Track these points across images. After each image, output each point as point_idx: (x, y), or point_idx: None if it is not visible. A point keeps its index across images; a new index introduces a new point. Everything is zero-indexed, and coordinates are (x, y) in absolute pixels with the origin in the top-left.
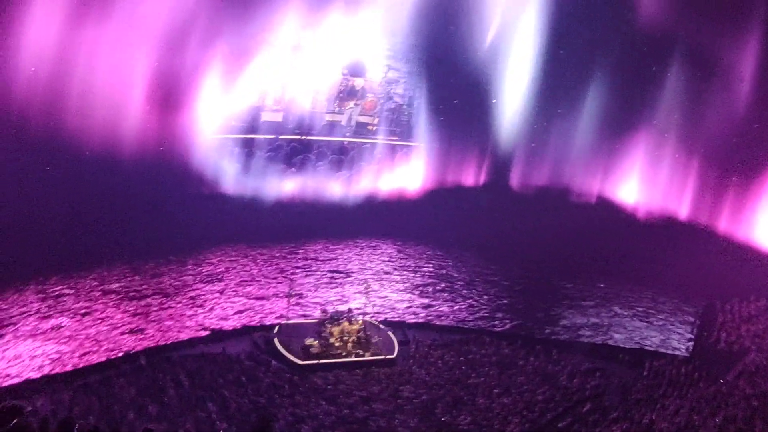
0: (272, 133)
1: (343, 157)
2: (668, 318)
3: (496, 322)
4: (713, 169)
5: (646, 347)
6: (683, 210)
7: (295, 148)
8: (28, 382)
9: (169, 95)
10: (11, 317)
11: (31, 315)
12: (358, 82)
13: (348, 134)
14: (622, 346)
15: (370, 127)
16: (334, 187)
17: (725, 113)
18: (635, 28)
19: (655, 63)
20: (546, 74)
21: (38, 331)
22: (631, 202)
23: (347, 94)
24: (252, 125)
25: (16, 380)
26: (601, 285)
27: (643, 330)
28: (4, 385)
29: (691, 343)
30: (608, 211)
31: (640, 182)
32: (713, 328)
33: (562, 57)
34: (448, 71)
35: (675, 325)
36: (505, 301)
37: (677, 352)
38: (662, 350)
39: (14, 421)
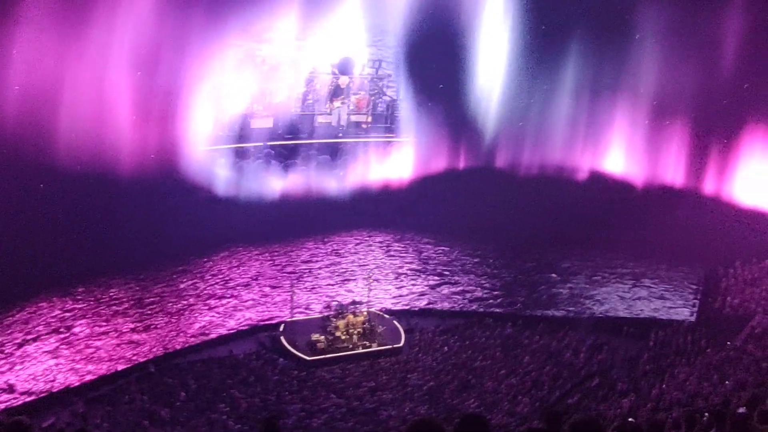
0: (262, 140)
1: (334, 157)
2: (670, 286)
3: (496, 304)
4: (701, 133)
5: (650, 317)
6: (674, 176)
7: (286, 153)
8: (40, 398)
9: (154, 107)
10: (18, 334)
11: (37, 330)
12: (343, 80)
13: (340, 134)
14: (625, 317)
15: (363, 126)
16: (327, 184)
17: (712, 76)
18: None
19: (639, 30)
20: (530, 51)
21: (45, 347)
22: (620, 172)
23: (333, 93)
24: (242, 133)
25: (29, 397)
26: (599, 258)
27: (646, 300)
28: (17, 403)
29: (696, 309)
30: (600, 184)
31: (628, 152)
32: (717, 294)
33: (544, 32)
34: (432, 57)
35: (678, 293)
36: (504, 282)
37: (682, 321)
38: (667, 319)
39: None
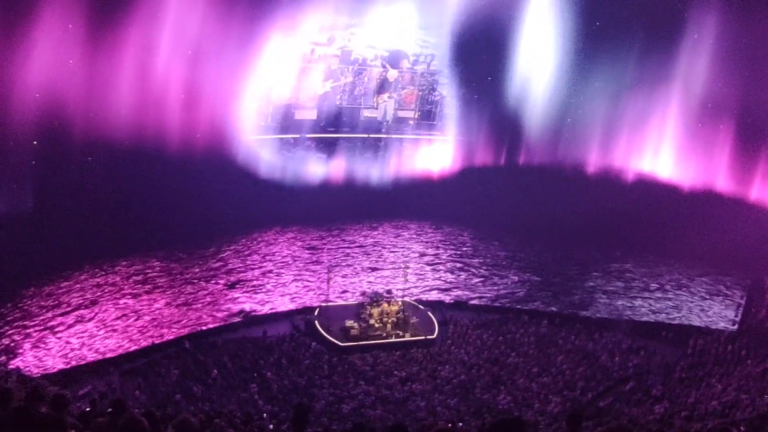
0: (305, 131)
1: (376, 152)
2: (713, 294)
3: (534, 301)
4: (752, 139)
5: (691, 324)
6: (722, 181)
7: (328, 145)
8: (78, 368)
9: (200, 91)
10: (61, 305)
11: (78, 303)
12: (392, 74)
13: (383, 130)
14: (665, 323)
15: (411, 122)
16: (368, 176)
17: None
18: None
19: (695, 31)
20: (581, 48)
21: (86, 319)
22: (668, 176)
23: (381, 87)
24: (285, 124)
25: (67, 366)
26: (643, 262)
27: (688, 307)
28: (55, 370)
29: (738, 320)
30: (647, 186)
31: (677, 154)
32: (761, 305)
33: (597, 29)
34: (481, 53)
35: (720, 301)
36: (544, 280)
37: (723, 330)
38: (707, 327)
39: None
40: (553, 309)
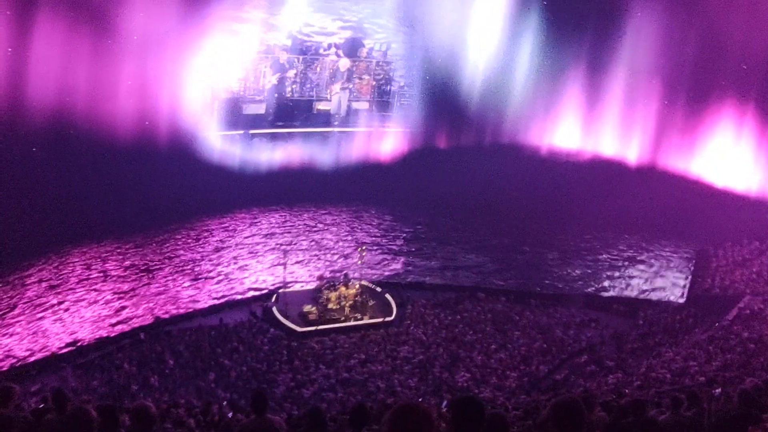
0: (254, 126)
1: (328, 145)
2: (660, 266)
3: (489, 279)
4: (695, 115)
5: (640, 296)
6: (666, 158)
7: (277, 140)
8: (32, 362)
9: (150, 82)
10: (12, 299)
11: (30, 295)
12: (344, 63)
13: (335, 123)
14: (615, 296)
15: (366, 113)
16: (323, 162)
17: (713, 55)
18: None
19: (639, 9)
20: (530, 26)
21: (38, 311)
22: (612, 153)
23: (332, 77)
24: (232, 120)
25: (20, 361)
26: (589, 236)
27: (636, 279)
28: (7, 366)
29: (685, 289)
30: (592, 163)
31: (619, 132)
32: (707, 274)
33: (545, 7)
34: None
35: (668, 272)
36: (498, 258)
37: (671, 300)
38: (656, 298)
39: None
40: (509, 286)
